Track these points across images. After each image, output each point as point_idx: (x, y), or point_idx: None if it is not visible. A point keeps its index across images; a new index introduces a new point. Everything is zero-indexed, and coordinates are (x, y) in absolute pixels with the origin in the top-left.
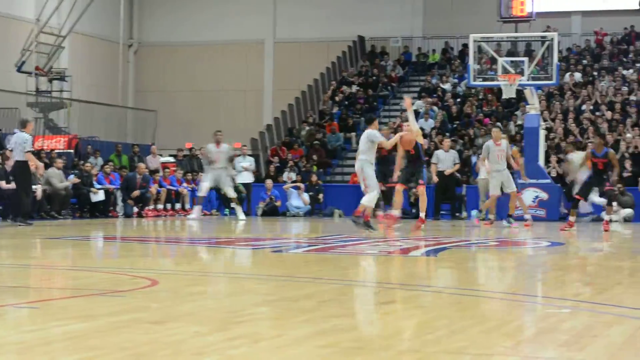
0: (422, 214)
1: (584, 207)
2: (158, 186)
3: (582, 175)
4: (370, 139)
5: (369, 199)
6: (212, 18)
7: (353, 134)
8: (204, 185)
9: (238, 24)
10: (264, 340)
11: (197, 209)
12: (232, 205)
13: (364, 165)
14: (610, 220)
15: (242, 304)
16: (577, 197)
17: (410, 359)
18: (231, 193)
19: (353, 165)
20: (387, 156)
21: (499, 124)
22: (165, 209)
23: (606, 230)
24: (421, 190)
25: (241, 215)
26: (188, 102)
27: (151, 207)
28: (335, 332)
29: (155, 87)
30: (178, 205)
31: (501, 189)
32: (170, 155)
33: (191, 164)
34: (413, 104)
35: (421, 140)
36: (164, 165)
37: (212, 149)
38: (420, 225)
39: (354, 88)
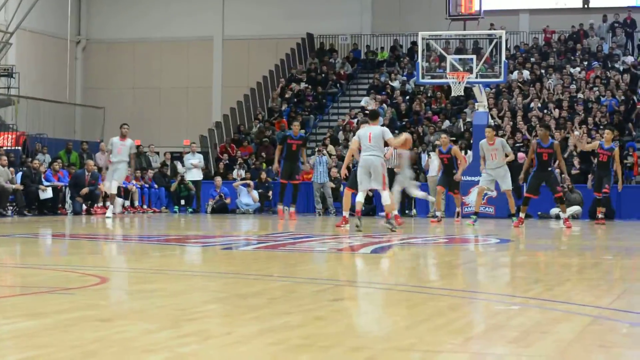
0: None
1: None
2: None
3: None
4: (384, 135)
5: (389, 198)
6: (161, 15)
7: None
8: (113, 185)
9: (187, 21)
10: (214, 337)
11: (112, 207)
12: (108, 203)
13: (380, 161)
14: (558, 217)
15: (191, 301)
16: (527, 195)
17: (360, 356)
18: (114, 189)
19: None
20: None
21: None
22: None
23: (569, 227)
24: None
25: (109, 213)
26: (136, 99)
27: (100, 204)
28: (285, 329)
29: (104, 84)
30: (127, 203)
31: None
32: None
33: (140, 161)
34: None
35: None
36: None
37: (116, 142)
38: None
39: (303, 85)
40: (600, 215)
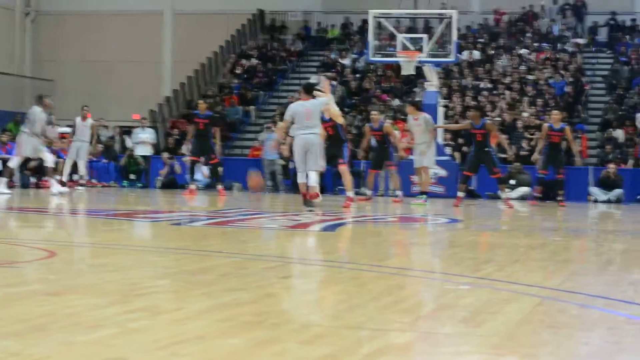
0: (350, 193)
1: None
2: (56, 157)
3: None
4: (322, 106)
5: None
6: None
7: (252, 107)
8: (80, 164)
9: None
10: (163, 313)
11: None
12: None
13: (318, 139)
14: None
15: (141, 276)
16: (466, 173)
17: (310, 333)
18: (82, 169)
19: (252, 139)
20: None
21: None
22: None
23: (510, 207)
24: (342, 169)
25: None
26: (86, 72)
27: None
28: (235, 306)
29: (53, 57)
30: (76, 177)
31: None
32: (68, 126)
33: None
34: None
35: (341, 121)
36: (62, 136)
37: (78, 123)
38: (350, 204)
39: (254, 61)
40: (536, 195)
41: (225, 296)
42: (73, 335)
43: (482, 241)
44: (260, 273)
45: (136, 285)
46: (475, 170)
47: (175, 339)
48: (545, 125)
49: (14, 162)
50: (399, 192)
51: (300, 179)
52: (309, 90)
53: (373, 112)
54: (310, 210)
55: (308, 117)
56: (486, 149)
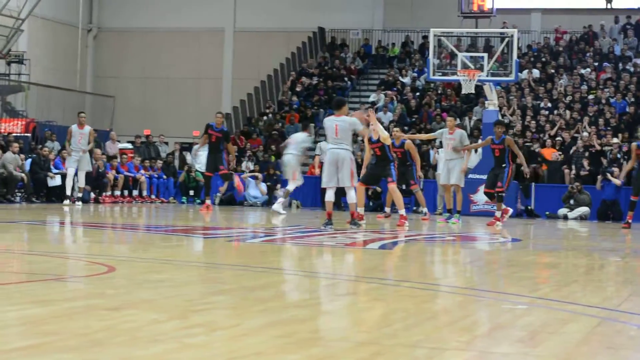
0: (402, 212)
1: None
2: (115, 172)
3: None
4: (353, 127)
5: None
6: (173, 5)
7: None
8: (81, 176)
9: (198, 11)
10: (221, 329)
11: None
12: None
13: (349, 156)
14: (565, 217)
15: (199, 292)
16: (486, 190)
17: (367, 351)
18: (82, 181)
19: (311, 157)
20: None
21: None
22: (122, 195)
23: (489, 225)
24: (392, 188)
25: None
26: (146, 88)
27: (108, 193)
28: (292, 323)
29: (114, 73)
30: (135, 192)
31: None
32: (128, 142)
33: (149, 150)
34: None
35: (388, 142)
36: (122, 152)
37: (75, 131)
38: (404, 222)
39: (314, 79)
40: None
41: (283, 313)
42: (131, 350)
43: (540, 261)
44: (318, 290)
45: (194, 301)
46: (492, 186)
47: (233, 354)
48: (634, 144)
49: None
50: (424, 209)
51: (328, 197)
52: (339, 106)
53: (395, 129)
54: (356, 228)
55: (337, 132)
56: (503, 165)
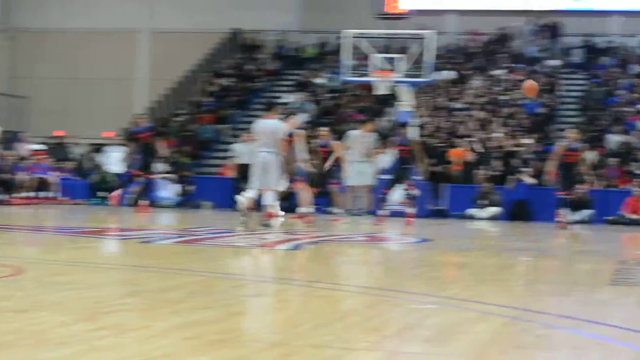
0: (308, 210)
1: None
2: (27, 174)
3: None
4: (281, 131)
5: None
6: (89, 6)
7: (225, 126)
8: None
9: (114, 12)
10: (130, 331)
11: None
12: None
13: (276, 159)
14: (472, 217)
15: (109, 294)
16: (383, 191)
17: (276, 352)
18: None
19: (223, 158)
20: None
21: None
22: (32, 197)
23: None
24: (300, 187)
25: None
26: (62, 89)
27: (20, 194)
28: (202, 324)
29: (30, 74)
30: (46, 194)
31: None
32: (41, 143)
33: (62, 152)
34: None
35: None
36: (34, 153)
37: None
38: (309, 219)
39: (228, 80)
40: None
41: (193, 314)
42: (39, 352)
43: (450, 261)
44: (228, 291)
45: (103, 303)
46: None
47: (142, 356)
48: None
49: None
50: (340, 210)
51: (250, 195)
52: (269, 109)
53: (322, 129)
54: (266, 229)
55: (265, 136)
56: (409, 166)
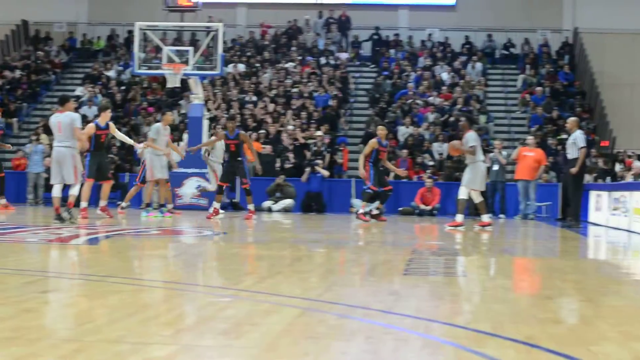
0: (84, 204)
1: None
2: None
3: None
4: (75, 123)
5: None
6: None
7: (14, 119)
8: None
9: None
10: None
11: None
12: None
13: (71, 152)
14: (270, 210)
15: None
16: (220, 183)
17: (68, 348)
18: None
19: (14, 152)
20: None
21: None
22: None
23: (209, 219)
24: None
25: None
26: None
27: None
28: None
29: None
30: None
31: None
32: None
33: None
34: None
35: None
36: None
37: None
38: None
39: (17, 73)
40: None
41: None
42: None
43: (245, 253)
44: (19, 288)
45: None
46: (228, 179)
47: None
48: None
49: None
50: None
51: (55, 193)
52: (63, 102)
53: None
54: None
55: (60, 129)
56: (239, 159)
